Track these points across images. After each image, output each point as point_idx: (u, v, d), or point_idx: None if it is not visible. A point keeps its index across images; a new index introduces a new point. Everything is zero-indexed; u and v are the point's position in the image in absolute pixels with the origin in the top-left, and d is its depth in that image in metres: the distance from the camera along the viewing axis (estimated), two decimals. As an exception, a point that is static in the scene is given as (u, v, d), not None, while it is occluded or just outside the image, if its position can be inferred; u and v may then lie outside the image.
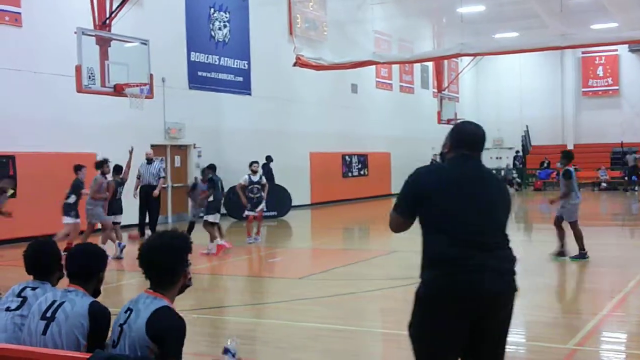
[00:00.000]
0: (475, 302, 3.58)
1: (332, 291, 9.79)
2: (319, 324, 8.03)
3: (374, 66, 25.61)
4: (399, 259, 12.23)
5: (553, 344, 6.68)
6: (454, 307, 3.58)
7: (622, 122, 36.40)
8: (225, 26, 22.20)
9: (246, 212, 15.11)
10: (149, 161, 17.01)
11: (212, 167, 14.26)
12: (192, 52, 20.99)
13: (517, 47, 22.20)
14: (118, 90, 13.77)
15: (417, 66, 33.34)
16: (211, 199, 13.74)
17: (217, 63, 21.89)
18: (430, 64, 33.18)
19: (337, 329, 7.68)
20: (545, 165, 34.94)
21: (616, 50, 36.56)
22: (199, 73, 21.25)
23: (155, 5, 19.08)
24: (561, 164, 12.41)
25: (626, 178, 32.14)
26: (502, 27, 23.26)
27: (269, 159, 21.98)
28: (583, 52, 37.13)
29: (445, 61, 32.12)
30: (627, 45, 34.58)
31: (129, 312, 3.42)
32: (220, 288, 10.91)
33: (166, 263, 3.52)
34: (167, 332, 3.36)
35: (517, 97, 38.39)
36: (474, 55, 24.21)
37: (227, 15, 22.25)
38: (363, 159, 29.42)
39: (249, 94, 23.18)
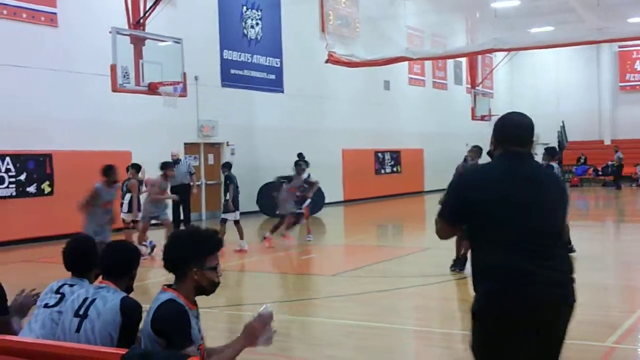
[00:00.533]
0: (529, 315, 3.32)
1: (366, 288, 9.78)
2: (353, 320, 8.03)
3: (406, 62, 25.51)
4: (432, 257, 12.17)
5: (591, 342, 6.59)
6: (508, 321, 3.32)
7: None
8: (257, 24, 22.27)
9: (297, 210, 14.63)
10: (176, 161, 16.98)
11: (227, 165, 14.09)
12: (224, 50, 21.09)
13: (553, 42, 21.94)
14: (152, 89, 13.91)
15: (450, 62, 33.08)
16: (228, 197, 13.53)
17: (249, 61, 21.97)
18: (463, 60, 32.89)
19: (371, 326, 7.69)
20: (582, 161, 34.48)
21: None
22: (232, 71, 21.35)
23: (188, 4, 19.22)
24: (544, 160, 12.07)
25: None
26: (536, 22, 22.98)
27: (300, 156, 21.96)
28: (620, 46, 36.52)
29: (479, 57, 31.86)
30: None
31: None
32: (253, 285, 10.97)
33: (172, 258, 3.55)
34: (166, 324, 3.37)
35: (552, 92, 37.91)
36: (508, 50, 24.01)
37: (260, 13, 22.31)
38: (396, 156, 29.30)
39: (282, 92, 23.23)
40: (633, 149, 34.27)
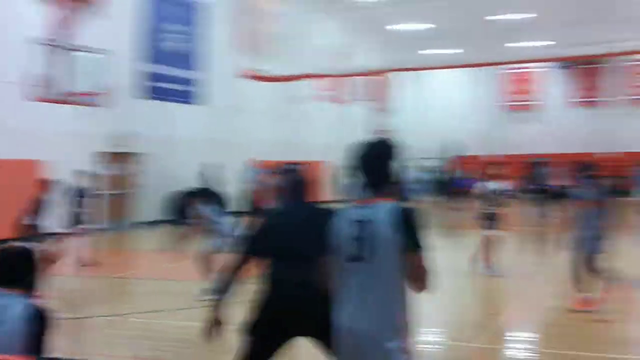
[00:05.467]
0: None
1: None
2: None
3: (316, 78, 25.68)
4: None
5: (464, 342, 6.75)
6: None
7: (542, 135, 37.17)
8: (179, 38, 21.92)
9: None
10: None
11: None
12: (146, 63, 20.62)
13: (450, 63, 22.61)
14: (70, 99, 13.47)
15: (356, 79, 33.47)
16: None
17: (170, 74, 21.58)
18: (367, 78, 33.41)
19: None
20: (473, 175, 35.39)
21: (539, 66, 37.43)
22: (149, 83, 20.90)
23: (113, 17, 18.65)
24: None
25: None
26: (433, 44, 23.59)
27: (210, 166, 21.71)
28: (507, 68, 37.84)
29: (383, 75, 32.45)
30: (548, 63, 35.49)
31: None
32: (167, 291, 10.70)
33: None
34: None
35: (446, 110, 38.80)
36: (407, 69, 24.58)
37: (181, 28, 21.96)
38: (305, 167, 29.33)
39: (201, 104, 22.93)
40: (515, 164, 35.43)
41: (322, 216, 3.83)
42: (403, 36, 22.05)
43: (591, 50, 17.66)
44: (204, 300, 8.98)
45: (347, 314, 3.07)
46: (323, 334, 3.78)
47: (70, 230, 12.12)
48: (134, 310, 8.61)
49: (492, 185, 10.95)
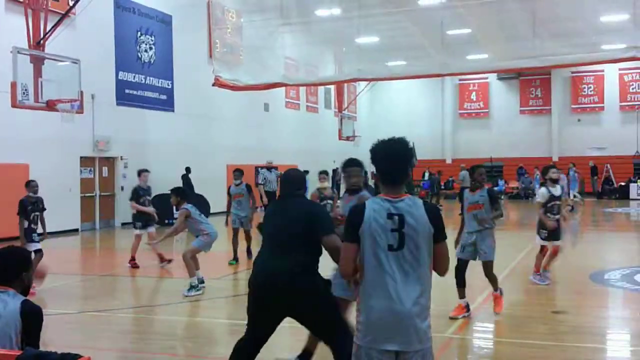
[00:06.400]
0: None
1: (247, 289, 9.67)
2: (236, 320, 7.86)
3: (283, 87, 25.63)
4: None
5: (434, 333, 6.77)
6: None
7: (492, 141, 37.85)
8: (151, 48, 21.69)
9: None
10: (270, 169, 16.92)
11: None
12: (120, 72, 20.37)
13: (405, 74, 22.70)
14: (50, 106, 13.20)
15: (321, 88, 33.60)
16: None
17: (143, 82, 21.33)
18: (332, 87, 33.54)
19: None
20: (427, 177, 35.80)
21: (487, 78, 38.07)
22: (126, 91, 20.64)
23: (87, 27, 18.36)
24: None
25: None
26: (393, 56, 23.69)
27: (188, 170, 21.54)
28: (460, 79, 38.45)
29: (345, 84, 32.59)
30: (495, 74, 36.10)
31: None
32: (144, 288, 10.54)
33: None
34: None
35: (405, 117, 39.25)
36: (370, 80, 24.65)
37: (153, 39, 21.75)
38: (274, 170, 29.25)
39: (172, 111, 22.71)
40: (468, 167, 35.93)
41: (316, 205, 4.00)
42: (368, 48, 22.12)
43: (527, 63, 18.04)
44: (190, 296, 8.91)
45: (386, 299, 3.18)
46: (303, 311, 4.15)
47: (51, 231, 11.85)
48: (122, 306, 8.45)
49: (556, 191, 9.34)
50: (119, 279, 11.22)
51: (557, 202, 9.31)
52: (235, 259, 11.97)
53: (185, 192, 10.03)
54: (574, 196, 27.34)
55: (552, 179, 9.36)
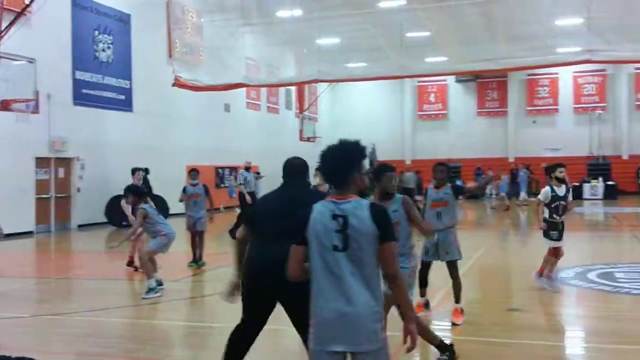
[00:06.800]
0: None
1: (206, 291, 9.62)
2: (194, 322, 7.84)
3: (244, 88, 25.52)
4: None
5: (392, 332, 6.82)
6: None
7: (450, 142, 38.33)
8: (108, 47, 21.33)
9: None
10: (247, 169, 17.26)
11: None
12: (77, 71, 19.98)
13: (365, 76, 22.85)
14: (5, 106, 12.89)
15: (282, 89, 33.53)
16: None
17: (100, 81, 20.97)
18: (293, 88, 33.52)
19: (211, 327, 7.45)
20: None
21: (445, 80, 38.55)
22: (83, 90, 20.26)
23: (43, 26, 17.97)
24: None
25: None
26: (353, 58, 23.83)
27: (146, 171, 21.19)
28: (419, 81, 38.81)
29: (306, 86, 32.61)
30: (454, 76, 36.59)
31: None
32: (100, 291, 10.34)
33: None
34: None
35: (366, 118, 39.45)
36: (330, 81, 24.74)
37: (111, 38, 21.40)
38: (234, 172, 29.12)
39: (131, 111, 22.37)
40: (427, 167, 36.34)
41: (312, 195, 3.98)
42: (328, 49, 22.18)
43: (484, 65, 18.38)
44: (148, 298, 8.79)
45: (333, 301, 3.17)
46: (291, 299, 4.15)
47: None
48: (78, 309, 8.27)
49: (561, 191, 8.75)
50: (75, 282, 10.99)
51: (562, 203, 8.74)
52: (195, 260, 11.71)
53: (142, 190, 9.78)
54: (524, 198, 28.03)
55: (557, 179, 8.74)
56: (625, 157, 36.04)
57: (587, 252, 14.06)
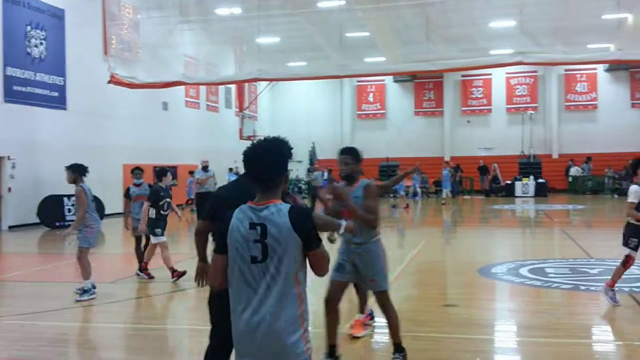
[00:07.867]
0: None
1: (144, 293, 9.39)
2: (131, 324, 7.63)
3: (183, 86, 25.11)
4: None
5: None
6: None
7: (388, 141, 38.77)
8: (41, 43, 20.58)
9: None
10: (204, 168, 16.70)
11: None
12: (7, 67, 19.20)
13: (305, 75, 22.88)
14: None
15: (221, 88, 33.18)
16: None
17: (32, 78, 20.21)
18: (232, 87, 33.21)
19: (148, 328, 7.28)
20: (325, 176, 36.16)
21: (383, 80, 38.98)
22: (15, 87, 19.49)
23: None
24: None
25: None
26: (293, 57, 23.82)
27: (81, 168, 20.64)
28: (358, 81, 39.11)
29: (246, 84, 32.38)
30: (392, 77, 37.03)
31: None
32: (31, 294, 9.94)
33: None
34: None
35: (306, 117, 39.51)
36: (270, 80, 24.60)
37: (44, 33, 20.65)
38: (173, 171, 28.58)
39: (65, 109, 21.66)
40: (366, 166, 36.72)
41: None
42: (268, 48, 22.08)
43: (420, 66, 18.70)
44: (83, 301, 8.50)
45: (248, 311, 2.95)
46: None
47: None
48: (8, 312, 7.92)
49: None
50: (6, 285, 10.54)
51: None
52: (142, 269, 10.48)
53: (83, 167, 9.05)
54: (446, 195, 28.80)
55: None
56: (555, 156, 37.28)
57: (519, 248, 14.45)
